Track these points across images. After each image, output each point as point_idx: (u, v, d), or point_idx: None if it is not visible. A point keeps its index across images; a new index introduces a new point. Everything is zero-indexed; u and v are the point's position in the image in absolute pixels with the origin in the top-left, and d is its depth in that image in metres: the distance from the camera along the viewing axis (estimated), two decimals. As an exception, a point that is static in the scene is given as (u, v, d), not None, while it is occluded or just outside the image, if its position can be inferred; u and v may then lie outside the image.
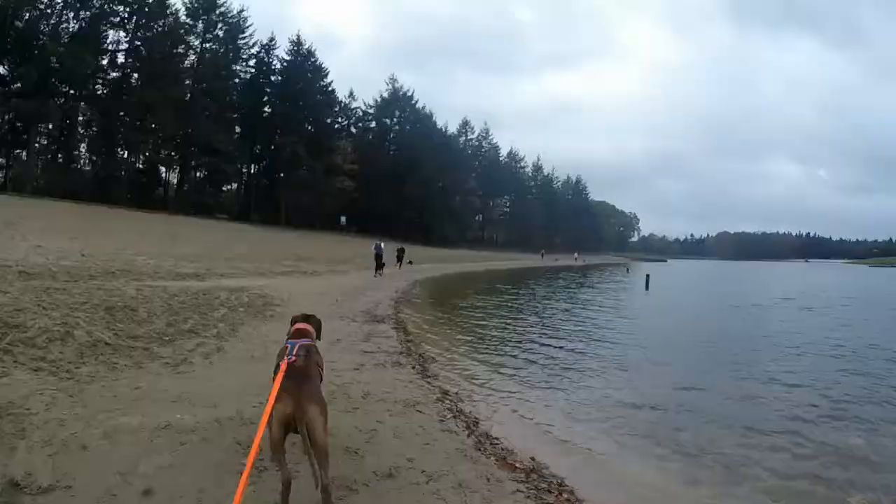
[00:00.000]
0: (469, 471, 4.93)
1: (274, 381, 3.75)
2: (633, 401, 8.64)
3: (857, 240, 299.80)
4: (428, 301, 22.32)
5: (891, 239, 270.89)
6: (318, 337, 4.89)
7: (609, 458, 6.27)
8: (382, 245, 32.91)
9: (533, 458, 5.67)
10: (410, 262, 44.65)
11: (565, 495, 4.88)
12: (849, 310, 26.35)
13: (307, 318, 4.84)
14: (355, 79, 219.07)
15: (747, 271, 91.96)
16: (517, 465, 5.36)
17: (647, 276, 40.14)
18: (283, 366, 3.82)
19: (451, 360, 11.01)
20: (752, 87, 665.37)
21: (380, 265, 31.04)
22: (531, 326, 17.16)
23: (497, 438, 6.17)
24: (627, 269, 78.49)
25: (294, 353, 4.00)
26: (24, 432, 4.53)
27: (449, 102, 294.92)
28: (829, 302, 30.21)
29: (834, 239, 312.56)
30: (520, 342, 14.03)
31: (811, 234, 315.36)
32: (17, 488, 3.67)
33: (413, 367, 9.02)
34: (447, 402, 7.32)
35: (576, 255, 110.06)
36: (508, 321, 18.09)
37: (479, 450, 5.56)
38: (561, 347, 13.34)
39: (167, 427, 5.04)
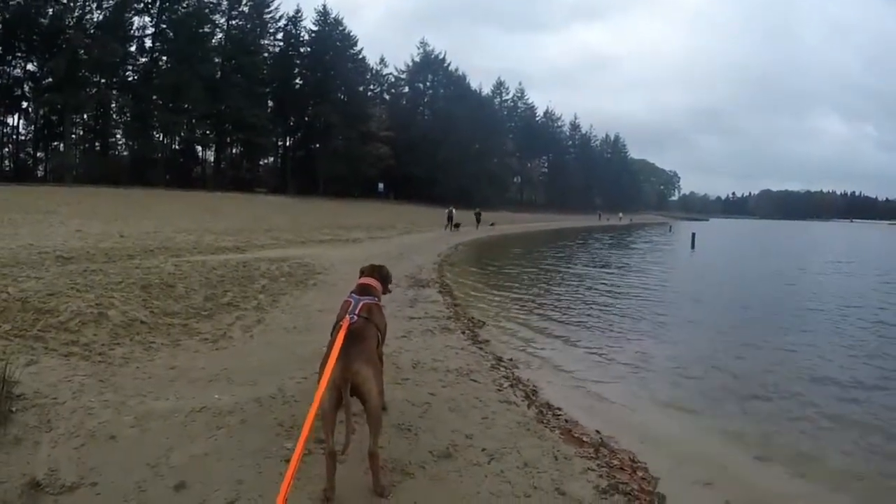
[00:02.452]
0: (534, 447, 4.45)
1: (332, 341, 3.47)
2: (694, 369, 7.99)
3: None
4: (471, 265, 21.81)
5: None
6: (387, 290, 4.65)
7: (674, 430, 5.73)
8: (454, 210, 43.11)
9: (598, 432, 5.19)
10: (493, 224, 50.06)
11: (640, 473, 4.39)
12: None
13: (373, 271, 4.54)
14: (376, 43, 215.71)
15: (792, 231, 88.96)
16: (584, 439, 4.89)
17: (693, 234, 39.72)
18: (344, 325, 3.53)
19: (501, 325, 10.54)
20: (795, 37, 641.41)
21: (452, 224, 41.21)
22: (578, 287, 16.63)
23: (559, 409, 5.70)
24: (670, 228, 77.93)
25: (357, 312, 3.75)
26: (50, 424, 4.16)
27: (475, 64, 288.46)
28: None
29: (880, 199, 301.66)
30: (569, 305, 13.47)
31: (856, 194, 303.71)
32: (38, 489, 3.28)
33: (463, 333, 8.60)
34: (502, 369, 6.89)
35: (620, 214, 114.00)
36: (554, 284, 17.57)
37: (542, 422, 5.09)
38: (611, 311, 12.74)
39: (203, 410, 4.65)
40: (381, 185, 74.86)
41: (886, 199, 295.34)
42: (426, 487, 3.69)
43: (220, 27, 67.01)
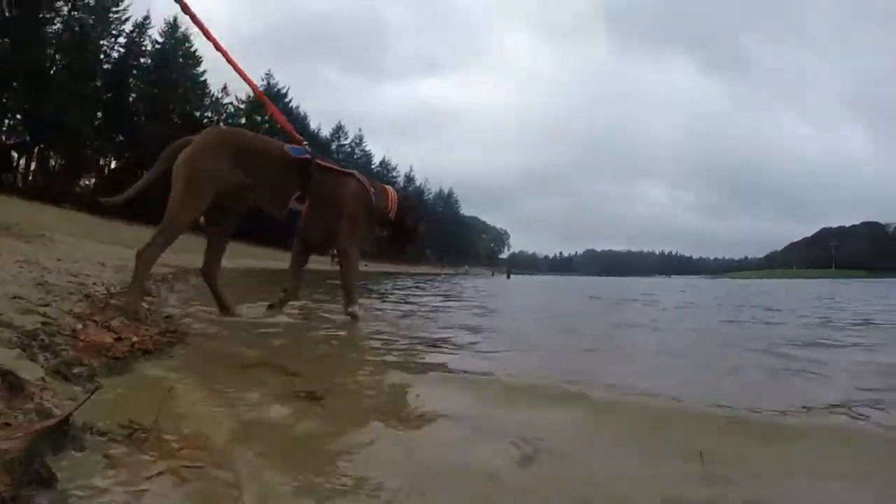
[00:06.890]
0: None
1: None
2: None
3: (716, 258, 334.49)
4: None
5: (745, 256, 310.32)
6: None
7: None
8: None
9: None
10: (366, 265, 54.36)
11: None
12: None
13: None
14: (219, 72, 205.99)
15: (605, 283, 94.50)
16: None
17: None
18: None
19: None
20: (625, 107, 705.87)
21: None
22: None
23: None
24: (493, 273, 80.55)
25: None
26: None
27: (315, 105, 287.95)
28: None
29: (694, 257, 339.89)
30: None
31: (673, 253, 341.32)
32: None
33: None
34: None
35: (465, 267, 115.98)
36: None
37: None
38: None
39: None
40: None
41: (700, 256, 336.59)
42: None
43: (60, 16, 58.37)
